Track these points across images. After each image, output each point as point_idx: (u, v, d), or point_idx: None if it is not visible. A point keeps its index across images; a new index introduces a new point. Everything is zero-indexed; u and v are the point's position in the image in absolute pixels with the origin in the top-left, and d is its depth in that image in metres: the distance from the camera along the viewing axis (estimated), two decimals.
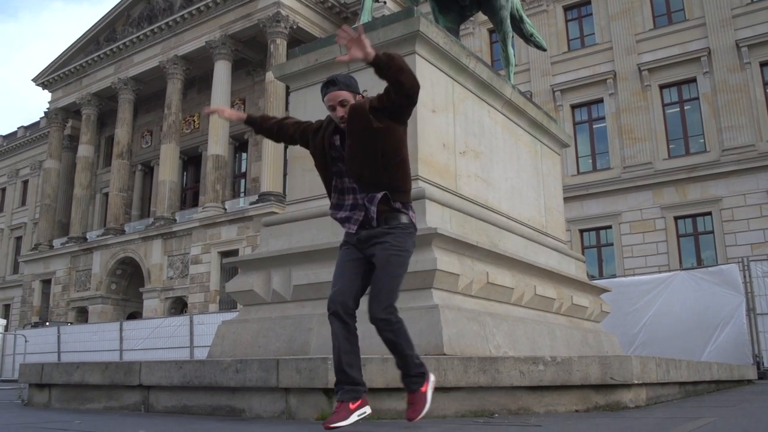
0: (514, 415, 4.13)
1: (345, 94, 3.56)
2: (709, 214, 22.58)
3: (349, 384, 3.39)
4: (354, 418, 3.30)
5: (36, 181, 47.97)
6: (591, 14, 26.59)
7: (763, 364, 11.18)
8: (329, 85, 3.58)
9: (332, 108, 3.57)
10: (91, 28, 39.00)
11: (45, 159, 42.97)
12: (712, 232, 22.50)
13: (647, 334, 12.14)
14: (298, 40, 29.22)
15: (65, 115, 41.59)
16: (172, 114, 34.40)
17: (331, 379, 3.89)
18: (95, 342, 20.37)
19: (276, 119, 4.05)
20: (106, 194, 39.53)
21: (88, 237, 38.22)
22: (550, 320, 6.90)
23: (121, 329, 20.19)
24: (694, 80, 23.88)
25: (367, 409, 3.39)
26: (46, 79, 41.18)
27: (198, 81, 36.47)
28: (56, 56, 40.43)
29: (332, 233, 5.75)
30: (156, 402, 4.90)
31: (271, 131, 4.02)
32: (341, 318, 3.43)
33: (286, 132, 3.96)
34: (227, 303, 27.61)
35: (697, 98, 23.76)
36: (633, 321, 12.21)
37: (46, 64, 41.07)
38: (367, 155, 3.48)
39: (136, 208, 39.67)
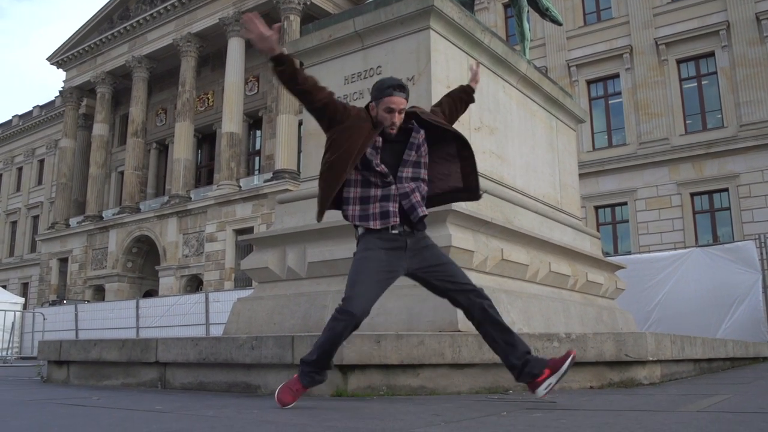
0: (528, 391, 4.14)
1: (405, 104, 3.51)
2: (726, 190, 22.37)
3: (319, 371, 3.44)
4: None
5: (52, 160, 48.25)
6: None
7: None
8: (399, 89, 3.47)
9: (390, 111, 3.46)
10: (104, 6, 39.00)
11: (60, 138, 43.20)
12: (729, 208, 22.29)
13: (662, 311, 12.11)
14: (311, 16, 29.05)
15: (80, 94, 41.73)
16: (186, 92, 34.42)
17: (346, 357, 3.91)
18: (112, 320, 20.56)
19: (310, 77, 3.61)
20: (122, 173, 39.75)
21: (103, 215, 38.49)
22: (565, 297, 6.88)
23: (137, 307, 20.36)
24: (712, 54, 23.54)
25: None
26: (60, 58, 41.29)
27: (212, 58, 36.44)
28: (70, 35, 40.48)
29: None
30: (173, 378, 4.95)
31: (304, 85, 3.54)
32: (356, 324, 3.35)
33: (321, 95, 3.56)
34: (242, 280, 27.82)
35: (715, 73, 23.43)
36: (648, 298, 12.18)
37: (61, 43, 41.15)
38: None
39: (151, 187, 39.88)
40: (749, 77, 22.40)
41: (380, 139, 3.50)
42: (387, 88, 3.47)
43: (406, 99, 3.51)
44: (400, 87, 3.49)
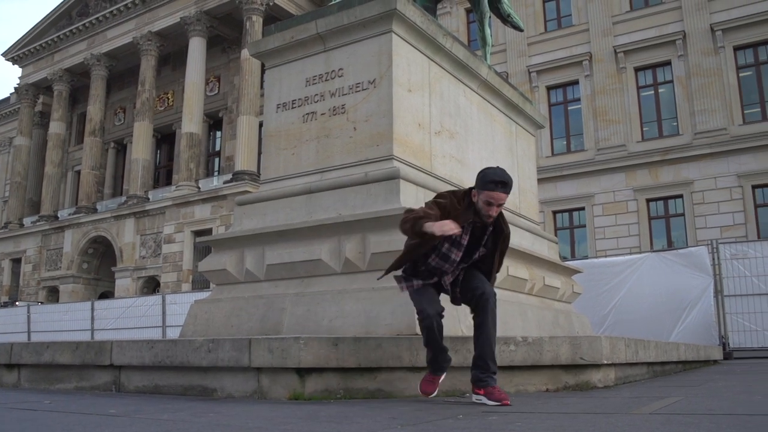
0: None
1: (506, 199, 3.70)
2: (681, 196, 22.84)
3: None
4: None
5: (6, 158, 47.10)
6: None
7: (728, 344, 11.38)
8: (502, 186, 3.64)
9: (489, 204, 3.64)
10: (63, 2, 38.17)
11: (15, 136, 42.20)
12: (683, 214, 22.77)
13: (618, 315, 12.30)
14: (274, 17, 28.87)
15: (36, 91, 40.80)
16: (145, 91, 33.93)
17: (303, 360, 3.89)
18: (66, 322, 20.17)
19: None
20: (78, 172, 38.99)
21: (59, 215, 37.71)
22: (522, 301, 6.95)
23: (92, 309, 20.01)
24: (668, 63, 24.03)
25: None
26: (16, 54, 40.31)
27: (172, 57, 35.99)
28: (27, 30, 39.59)
29: (306, 212, 5.73)
30: (127, 382, 4.87)
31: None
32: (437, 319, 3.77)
33: None
34: (200, 282, 27.49)
35: (672, 81, 23.92)
36: (604, 302, 12.35)
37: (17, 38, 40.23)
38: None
39: (108, 187, 39.21)
40: (704, 86, 22.91)
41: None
42: (489, 183, 3.64)
43: (508, 194, 3.70)
44: (505, 183, 3.65)
